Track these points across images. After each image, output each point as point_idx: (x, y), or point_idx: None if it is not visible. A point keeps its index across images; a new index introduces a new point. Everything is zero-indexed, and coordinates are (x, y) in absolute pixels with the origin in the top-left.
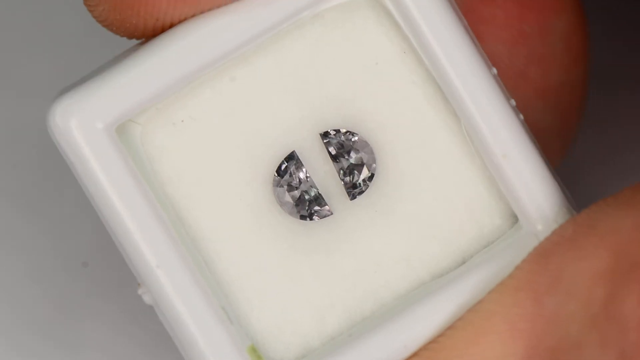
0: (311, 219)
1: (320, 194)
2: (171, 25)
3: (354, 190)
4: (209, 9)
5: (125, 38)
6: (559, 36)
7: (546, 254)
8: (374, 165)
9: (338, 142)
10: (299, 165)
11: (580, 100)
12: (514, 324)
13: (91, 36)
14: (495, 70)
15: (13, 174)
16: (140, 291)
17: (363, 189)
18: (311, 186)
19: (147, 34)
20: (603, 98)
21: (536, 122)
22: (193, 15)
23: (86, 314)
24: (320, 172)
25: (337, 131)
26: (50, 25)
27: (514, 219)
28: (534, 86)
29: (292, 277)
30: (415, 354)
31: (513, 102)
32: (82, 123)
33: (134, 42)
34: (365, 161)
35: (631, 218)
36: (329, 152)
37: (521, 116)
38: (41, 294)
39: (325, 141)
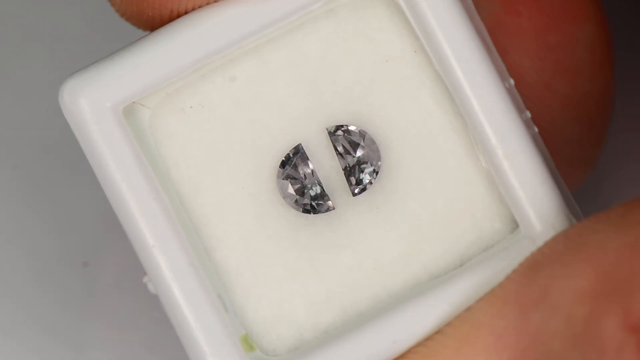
0: (313, 213)
1: (323, 189)
2: None
3: (357, 187)
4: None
5: (127, 37)
6: (584, 46)
7: (535, 267)
8: (379, 162)
9: (344, 138)
10: (305, 159)
11: (607, 109)
12: (500, 337)
13: (92, 36)
14: (512, 82)
15: (13, 174)
16: (145, 279)
17: (366, 186)
18: (315, 180)
19: (163, 25)
20: (628, 106)
21: (564, 133)
22: (206, 5)
23: (87, 313)
24: (325, 167)
25: (344, 127)
26: (50, 25)
27: (514, 224)
28: (560, 97)
29: (290, 270)
30: (403, 356)
31: (528, 114)
32: (90, 101)
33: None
34: (370, 158)
35: (619, 238)
36: (335, 148)
37: (535, 129)
38: (41, 294)
39: (332, 137)
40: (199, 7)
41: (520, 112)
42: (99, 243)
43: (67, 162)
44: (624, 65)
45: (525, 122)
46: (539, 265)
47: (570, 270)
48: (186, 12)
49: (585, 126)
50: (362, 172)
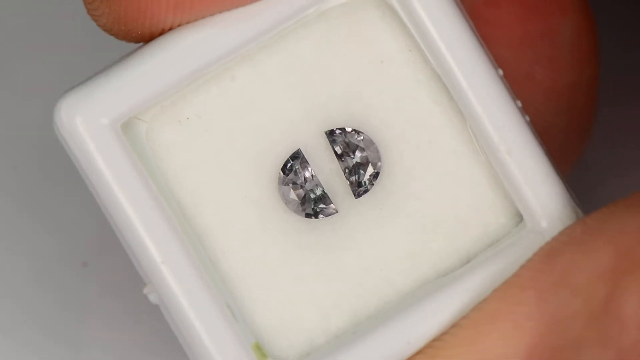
0: (316, 217)
1: (325, 193)
2: None
3: (359, 188)
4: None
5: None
6: (566, 37)
7: (554, 253)
8: (379, 163)
9: (343, 140)
10: (305, 164)
11: (592, 101)
12: (517, 322)
13: (92, 36)
14: (501, 71)
15: (14, 175)
16: (145, 290)
17: (368, 187)
18: (316, 184)
19: (154, 39)
20: (614, 99)
21: (547, 124)
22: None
23: (87, 313)
24: (326, 171)
25: (343, 129)
26: (50, 25)
27: (519, 217)
28: (542, 88)
29: (297, 275)
30: (419, 351)
31: (519, 103)
32: (88, 119)
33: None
34: (370, 160)
35: (638, 219)
36: (335, 151)
37: (527, 117)
38: (41, 294)
39: (330, 140)
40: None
41: (514, 102)
42: (99, 243)
43: (67, 162)
44: (610, 56)
45: (520, 111)
46: (557, 252)
47: (591, 252)
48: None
49: (570, 117)
50: (363, 174)
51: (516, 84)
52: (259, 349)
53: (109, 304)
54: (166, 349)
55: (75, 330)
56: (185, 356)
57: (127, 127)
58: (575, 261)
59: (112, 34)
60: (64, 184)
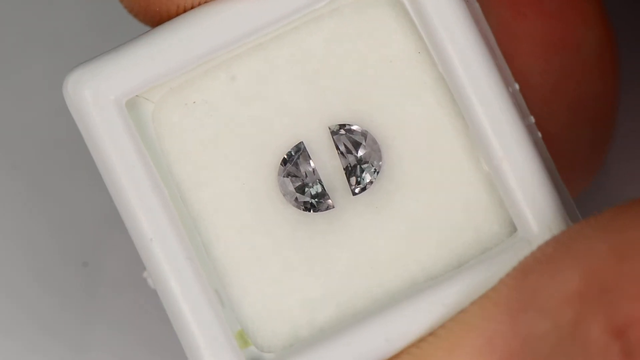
0: (313, 211)
1: (324, 187)
2: None
3: (357, 186)
4: None
5: (129, 37)
6: (590, 49)
7: (526, 270)
8: (380, 162)
9: (346, 137)
10: (306, 157)
11: (613, 111)
12: (489, 339)
13: (93, 36)
14: (517, 86)
15: (13, 174)
16: (145, 274)
17: (366, 185)
18: (317, 179)
19: (169, 20)
20: (634, 107)
21: (570, 136)
22: (212, 1)
23: (87, 313)
24: (326, 165)
25: (347, 126)
26: (51, 24)
27: (513, 227)
28: (567, 100)
29: (288, 267)
30: (396, 357)
31: (532, 119)
32: (94, 93)
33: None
34: (371, 158)
35: (607, 243)
36: (337, 147)
37: (539, 134)
38: (41, 294)
39: (333, 135)
40: (205, 2)
41: (523, 117)
42: (99, 243)
43: (68, 161)
44: (628, 68)
45: (529, 128)
46: (530, 269)
47: (558, 273)
48: (192, 8)
49: (591, 129)
50: (363, 171)
51: (543, 96)
52: (243, 336)
53: (109, 304)
54: (167, 349)
55: (75, 330)
56: (186, 356)
57: (134, 106)
58: (544, 281)
59: (134, 14)
60: (64, 184)
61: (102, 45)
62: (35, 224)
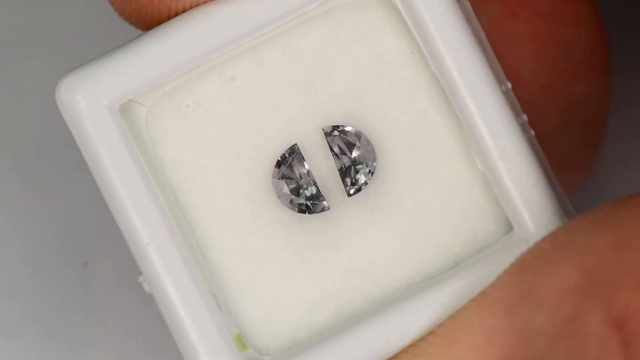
0: (308, 213)
1: (319, 189)
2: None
3: (352, 187)
4: None
5: (127, 36)
6: (582, 49)
7: (523, 266)
8: (375, 163)
9: (340, 138)
10: (300, 159)
11: (604, 111)
12: (488, 335)
13: (93, 36)
14: (509, 85)
15: (13, 174)
16: (140, 279)
17: (361, 186)
18: (311, 180)
19: (161, 23)
20: (624, 107)
21: (561, 135)
22: (204, 3)
23: (87, 313)
24: (321, 167)
25: (341, 127)
26: (51, 24)
27: (509, 226)
28: (558, 100)
29: (284, 269)
30: (396, 357)
31: (525, 117)
32: (87, 98)
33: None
34: (366, 159)
35: (605, 236)
36: (331, 149)
37: (532, 132)
38: (41, 294)
39: (327, 137)
40: (197, 5)
41: (516, 115)
42: (99, 243)
43: (67, 162)
44: (620, 67)
45: (522, 126)
46: (527, 264)
47: (556, 268)
48: (184, 11)
49: (583, 128)
50: (358, 172)
51: (534, 96)
52: (241, 339)
53: (108, 304)
54: (166, 349)
55: (75, 331)
56: (181, 357)
57: (127, 110)
58: (541, 276)
59: (125, 17)
60: (63, 184)
61: (102, 45)
62: (35, 224)
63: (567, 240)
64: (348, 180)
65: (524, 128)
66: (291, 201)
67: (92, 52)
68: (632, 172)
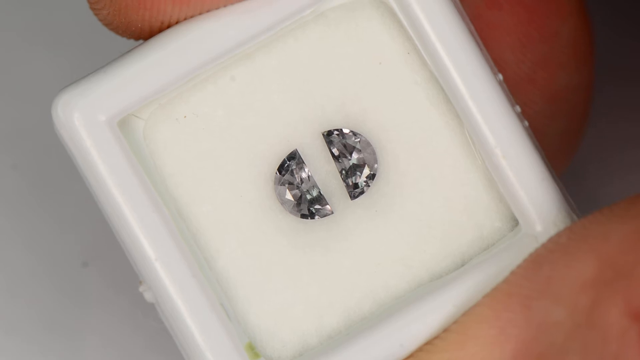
0: (312, 218)
1: (321, 193)
2: None
3: (354, 190)
4: (213, 10)
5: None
6: (566, 40)
7: (539, 260)
8: (376, 165)
9: (340, 142)
10: (301, 164)
11: (587, 102)
12: (504, 329)
13: (93, 36)
14: (501, 76)
15: (13, 174)
16: (141, 288)
17: (364, 189)
18: (313, 185)
19: (152, 35)
20: (606, 99)
21: (544, 126)
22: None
23: (87, 313)
24: (322, 171)
25: (340, 131)
26: (51, 24)
27: (514, 222)
28: (541, 90)
29: (291, 276)
30: (410, 355)
31: (518, 108)
32: (84, 115)
33: (139, 42)
34: (366, 161)
35: (623, 228)
36: (331, 152)
37: (526, 123)
38: (42, 294)
39: (327, 141)
40: (190, 17)
41: (512, 106)
42: (99, 243)
43: (67, 162)
44: (603, 58)
45: (518, 116)
46: (543, 259)
47: (574, 261)
48: (177, 22)
49: (567, 119)
50: (359, 175)
51: (517, 86)
52: (252, 348)
53: (108, 304)
54: (166, 348)
55: (75, 331)
56: (181, 357)
57: (124, 124)
58: (559, 269)
59: (112, 28)
60: (63, 184)
61: (102, 45)
62: (35, 224)
63: (584, 233)
64: (350, 183)
65: (520, 119)
66: (294, 207)
67: (92, 51)
68: (613, 160)
